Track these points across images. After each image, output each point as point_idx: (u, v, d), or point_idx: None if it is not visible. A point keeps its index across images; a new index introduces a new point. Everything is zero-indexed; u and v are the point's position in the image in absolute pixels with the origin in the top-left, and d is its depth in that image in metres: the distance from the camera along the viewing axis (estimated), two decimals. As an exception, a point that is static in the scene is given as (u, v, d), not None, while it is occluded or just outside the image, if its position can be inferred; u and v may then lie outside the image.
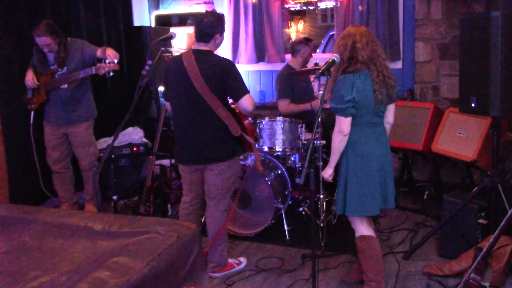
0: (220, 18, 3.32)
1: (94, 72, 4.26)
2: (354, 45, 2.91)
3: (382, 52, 3.00)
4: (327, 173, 3.09)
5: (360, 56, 2.90)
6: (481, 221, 3.53)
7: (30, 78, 4.34)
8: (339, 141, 2.97)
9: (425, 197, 4.69)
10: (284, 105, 4.77)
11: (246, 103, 3.27)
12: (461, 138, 4.15)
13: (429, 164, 4.93)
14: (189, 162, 3.41)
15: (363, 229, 3.12)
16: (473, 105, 3.41)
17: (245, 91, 3.27)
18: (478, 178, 4.70)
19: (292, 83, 4.79)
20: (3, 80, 4.45)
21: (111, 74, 4.24)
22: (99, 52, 4.36)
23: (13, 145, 4.54)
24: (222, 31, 3.33)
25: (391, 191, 3.09)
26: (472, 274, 2.85)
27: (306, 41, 4.95)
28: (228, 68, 3.25)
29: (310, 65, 4.99)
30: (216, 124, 3.29)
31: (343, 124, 2.93)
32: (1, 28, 4.37)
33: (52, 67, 4.37)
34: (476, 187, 3.57)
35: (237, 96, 3.26)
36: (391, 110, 3.13)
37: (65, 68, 4.36)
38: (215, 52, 3.36)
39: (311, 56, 4.92)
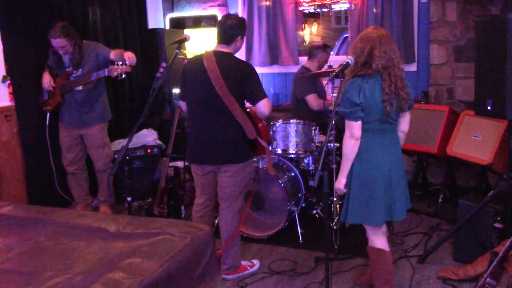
0: (242, 22, 3.36)
1: (106, 74, 4.28)
2: (372, 51, 2.79)
3: (400, 62, 2.86)
4: (341, 183, 2.93)
5: (374, 64, 2.79)
6: (497, 225, 3.47)
7: (47, 81, 4.38)
8: (351, 147, 2.85)
9: (439, 200, 4.65)
10: (315, 99, 4.78)
11: (263, 106, 3.28)
12: (477, 141, 4.11)
13: (444, 167, 4.88)
14: (202, 162, 3.42)
15: (375, 240, 3.03)
16: (489, 108, 3.36)
17: (263, 94, 3.29)
18: (494, 181, 4.65)
19: (313, 81, 4.85)
20: (20, 82, 4.50)
21: (124, 76, 4.26)
22: (112, 55, 4.39)
23: (30, 147, 4.60)
24: (243, 34, 3.37)
25: (399, 203, 2.93)
26: (487, 279, 2.82)
27: (324, 47, 5.01)
28: (248, 71, 3.28)
29: (324, 68, 5.00)
30: (232, 126, 3.30)
31: (354, 128, 2.82)
32: (18, 30, 4.43)
33: (67, 69, 4.41)
34: (492, 191, 3.52)
35: (255, 99, 3.28)
36: (406, 118, 2.98)
37: (80, 70, 4.40)
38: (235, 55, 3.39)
39: (326, 62, 4.94)
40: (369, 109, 2.81)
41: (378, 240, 3.03)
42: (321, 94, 4.88)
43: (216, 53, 3.31)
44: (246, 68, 3.30)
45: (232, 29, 3.29)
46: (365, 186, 2.89)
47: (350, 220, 2.98)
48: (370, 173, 2.88)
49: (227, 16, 3.36)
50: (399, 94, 2.82)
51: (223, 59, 3.27)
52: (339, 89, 3.04)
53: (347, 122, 2.86)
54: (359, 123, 2.83)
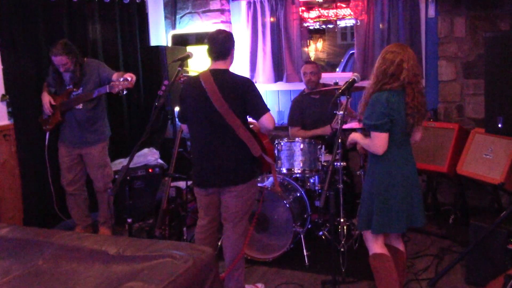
0: (231, 33, 3.36)
1: (108, 91, 4.23)
2: (401, 63, 2.90)
3: (422, 81, 3.00)
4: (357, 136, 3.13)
5: (402, 77, 2.90)
6: (510, 247, 3.39)
7: (46, 101, 4.34)
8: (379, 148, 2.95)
9: (450, 221, 4.60)
10: (294, 132, 4.89)
11: (267, 121, 3.22)
12: (488, 159, 4.04)
13: (454, 186, 4.81)
14: (208, 185, 3.34)
15: (376, 247, 3.09)
16: (500, 125, 3.35)
17: (266, 109, 3.24)
18: (506, 201, 4.57)
19: (302, 109, 4.84)
20: (19, 101, 4.49)
21: (125, 92, 4.21)
22: (115, 76, 4.33)
23: (28, 167, 4.56)
24: (234, 46, 3.35)
25: (418, 210, 3.06)
26: (503, 304, 2.72)
27: (303, 62, 5.08)
28: (248, 86, 3.23)
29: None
30: (237, 145, 3.23)
31: (379, 141, 2.91)
32: (18, 49, 4.42)
33: (68, 87, 4.36)
34: (505, 211, 3.45)
35: (258, 114, 3.22)
36: (419, 128, 3.10)
37: (81, 88, 4.35)
38: (230, 70, 3.34)
39: (314, 76, 4.82)
40: (395, 122, 2.93)
41: (378, 246, 3.09)
42: (320, 119, 4.76)
43: (213, 72, 3.24)
44: (246, 84, 3.24)
45: (227, 42, 3.26)
46: (388, 196, 3.00)
47: (374, 231, 3.05)
48: (392, 182, 2.99)
49: (218, 32, 3.33)
50: (419, 109, 2.95)
51: (221, 77, 3.22)
52: (345, 106, 3.02)
53: (372, 134, 2.94)
54: (385, 135, 2.93)
